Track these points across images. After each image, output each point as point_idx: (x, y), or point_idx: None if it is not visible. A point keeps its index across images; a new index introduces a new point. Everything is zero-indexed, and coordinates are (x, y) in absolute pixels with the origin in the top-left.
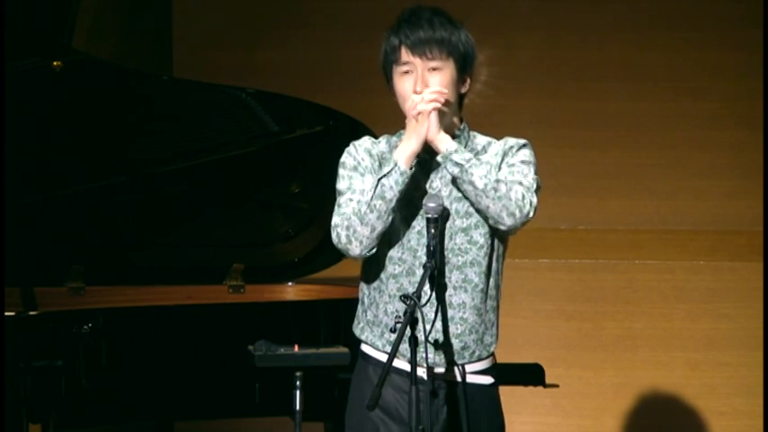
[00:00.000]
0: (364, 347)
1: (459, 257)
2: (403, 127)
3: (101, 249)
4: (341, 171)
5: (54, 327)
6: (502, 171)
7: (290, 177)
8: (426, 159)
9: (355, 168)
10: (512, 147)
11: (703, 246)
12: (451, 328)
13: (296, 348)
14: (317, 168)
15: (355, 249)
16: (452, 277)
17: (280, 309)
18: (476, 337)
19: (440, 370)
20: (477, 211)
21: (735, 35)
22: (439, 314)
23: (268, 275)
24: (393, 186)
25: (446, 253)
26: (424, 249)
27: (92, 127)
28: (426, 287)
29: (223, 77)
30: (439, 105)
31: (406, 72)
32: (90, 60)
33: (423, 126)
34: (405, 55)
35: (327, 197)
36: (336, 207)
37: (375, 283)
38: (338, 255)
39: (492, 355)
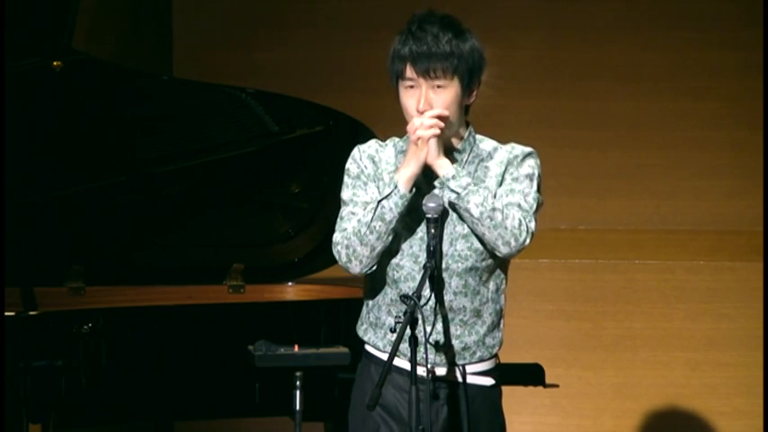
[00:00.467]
0: (368, 347)
1: (460, 263)
2: (404, 127)
3: (101, 249)
4: (345, 179)
5: (54, 327)
6: (504, 185)
7: (290, 177)
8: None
9: (358, 177)
10: (517, 156)
11: (703, 246)
12: (452, 329)
13: (296, 348)
14: (317, 168)
15: (355, 268)
16: (452, 283)
17: (280, 309)
18: (476, 339)
19: (440, 370)
20: (475, 235)
21: (735, 35)
22: (439, 315)
23: (268, 275)
24: (393, 209)
25: (446, 259)
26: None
27: (92, 127)
28: (427, 287)
29: (223, 77)
30: (438, 132)
31: (411, 86)
32: (90, 60)
33: (422, 151)
34: (409, 71)
35: (327, 197)
36: (339, 219)
37: (378, 286)
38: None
39: (495, 356)
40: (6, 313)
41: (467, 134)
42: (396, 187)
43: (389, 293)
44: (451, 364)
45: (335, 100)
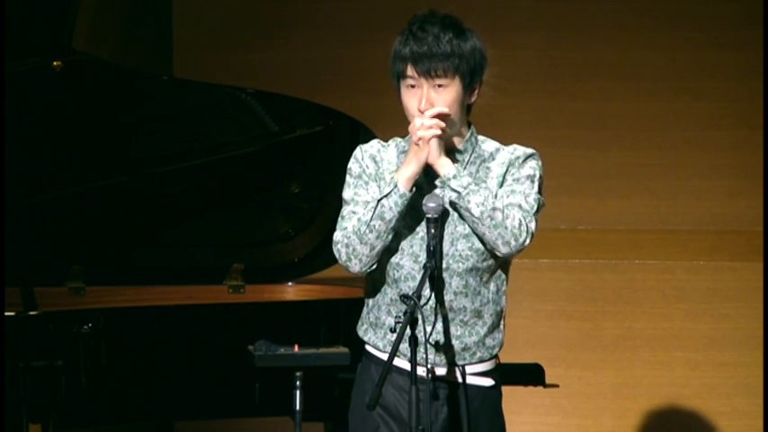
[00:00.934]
0: (368, 347)
1: (460, 264)
2: (405, 127)
3: (101, 249)
4: (347, 178)
5: (54, 327)
6: (505, 186)
7: (290, 177)
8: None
9: (360, 176)
10: (518, 157)
11: (703, 246)
12: (452, 330)
13: (296, 348)
14: (317, 168)
15: (355, 267)
16: (453, 283)
17: (280, 309)
18: (477, 339)
19: (440, 370)
20: (475, 234)
21: (735, 35)
22: (439, 315)
23: (268, 275)
24: (392, 207)
25: (447, 259)
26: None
27: (92, 127)
28: (427, 287)
29: (223, 77)
30: (439, 132)
31: (412, 86)
32: (90, 60)
33: (423, 151)
34: (410, 71)
35: (327, 197)
36: (340, 218)
37: (378, 286)
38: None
39: (495, 357)
40: (6, 313)
41: (468, 134)
42: (396, 186)
43: (389, 293)
44: (451, 365)
45: (335, 100)
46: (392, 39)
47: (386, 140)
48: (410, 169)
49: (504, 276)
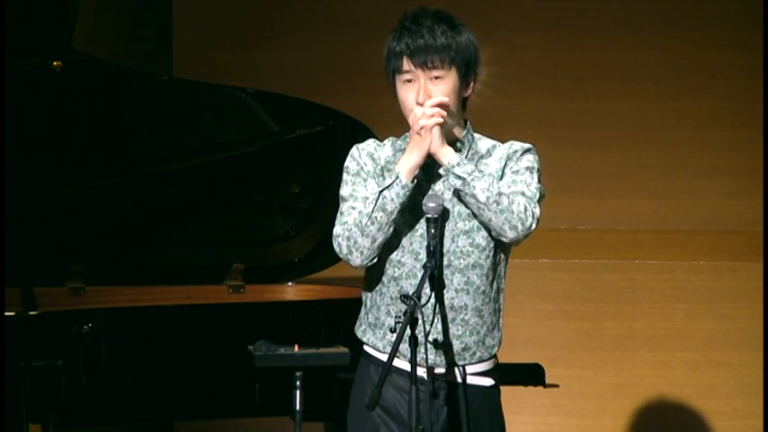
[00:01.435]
0: (366, 348)
1: (462, 260)
2: (404, 127)
3: (101, 249)
4: (344, 176)
5: (54, 327)
6: (505, 178)
7: (290, 177)
8: (429, 163)
9: (358, 174)
10: (516, 151)
11: (703, 246)
12: (452, 329)
13: (296, 348)
14: (317, 168)
15: (356, 260)
16: (454, 280)
17: (280, 309)
18: (477, 339)
19: (440, 370)
20: (481, 222)
21: (735, 35)
22: (439, 315)
23: (268, 275)
24: (394, 199)
25: (448, 255)
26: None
27: (92, 127)
28: (427, 287)
29: (223, 77)
30: (441, 120)
31: (409, 80)
32: (90, 60)
33: (425, 140)
34: (406, 64)
35: (327, 197)
36: (339, 215)
37: (377, 286)
38: (338, 255)
39: (494, 357)
40: (6, 313)
41: (465, 131)
42: (397, 177)
43: (389, 293)
44: (451, 365)
45: (335, 100)
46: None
47: (382, 140)
48: (412, 159)
49: (503, 275)
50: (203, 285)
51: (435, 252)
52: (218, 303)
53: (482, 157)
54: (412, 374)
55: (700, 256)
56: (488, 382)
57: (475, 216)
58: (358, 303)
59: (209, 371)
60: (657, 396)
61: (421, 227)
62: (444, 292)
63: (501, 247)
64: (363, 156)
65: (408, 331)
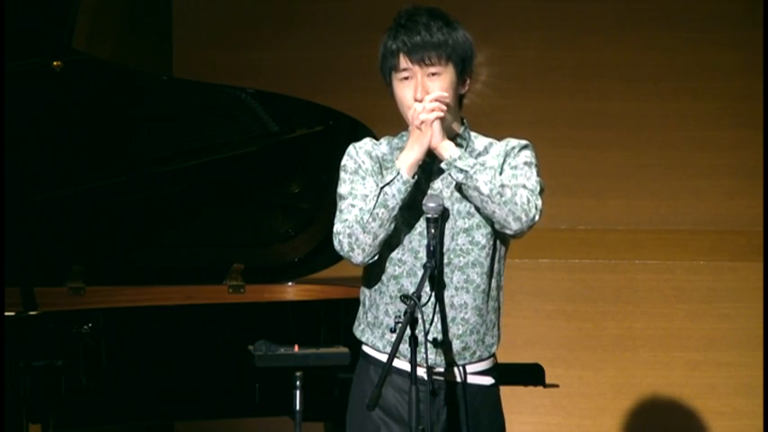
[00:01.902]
0: (365, 348)
1: (461, 258)
2: (403, 127)
3: (101, 249)
4: (342, 174)
5: (54, 327)
6: (504, 174)
7: (290, 177)
8: (427, 161)
9: (356, 172)
10: (513, 147)
11: (703, 246)
12: (452, 329)
13: (296, 348)
14: (317, 168)
15: (357, 257)
16: (454, 278)
17: (280, 309)
18: (477, 338)
19: (440, 370)
20: (484, 216)
21: (735, 35)
22: (439, 314)
23: (268, 275)
24: (396, 195)
25: (448, 254)
26: (425, 250)
27: (92, 127)
28: (426, 287)
29: (223, 77)
30: (441, 114)
31: (406, 78)
32: (90, 60)
33: (426, 135)
34: (403, 62)
35: (327, 197)
36: (338, 213)
37: (376, 285)
38: (338, 255)
39: (493, 355)
40: (6, 313)
41: (462, 129)
42: (398, 173)
43: (388, 291)
44: (451, 365)
45: (335, 100)
46: None
47: (380, 139)
48: (413, 155)
49: (501, 274)
50: (203, 285)
51: (435, 252)
52: (218, 303)
53: (479, 154)
54: (412, 374)
55: (700, 256)
56: (488, 381)
57: (477, 211)
58: (358, 303)
59: (209, 371)
60: (657, 396)
61: (420, 225)
62: (444, 291)
63: (500, 245)
64: (361, 154)
65: (408, 331)
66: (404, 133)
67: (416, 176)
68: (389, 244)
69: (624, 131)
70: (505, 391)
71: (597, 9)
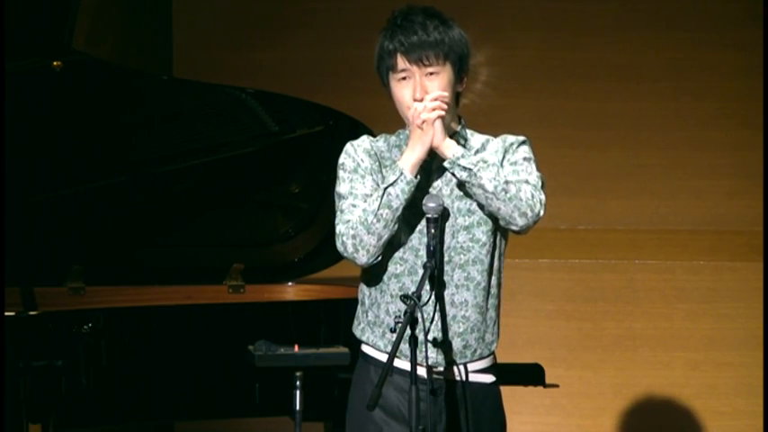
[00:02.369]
0: (365, 348)
1: (462, 255)
2: (402, 127)
3: (101, 249)
4: (341, 173)
5: (54, 327)
6: (505, 170)
7: (290, 177)
8: (426, 160)
9: (355, 170)
10: (512, 144)
11: (703, 246)
12: (453, 327)
13: (296, 348)
14: (317, 169)
15: (362, 258)
16: (455, 275)
17: (280, 309)
18: (477, 336)
19: (441, 369)
20: (487, 213)
21: (735, 35)
22: (439, 313)
23: (268, 275)
24: (399, 195)
25: (449, 251)
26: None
27: (92, 127)
28: (427, 287)
29: (223, 77)
30: (443, 113)
31: (404, 78)
32: (90, 60)
33: (428, 134)
34: (401, 62)
35: (327, 197)
36: (339, 213)
37: (376, 284)
38: (338, 255)
39: (493, 353)
40: (6, 313)
41: (460, 128)
42: (401, 174)
43: (389, 290)
44: (452, 363)
45: (335, 100)
46: None
47: (376, 137)
48: (415, 154)
49: (501, 272)
50: (203, 285)
51: (435, 252)
52: (218, 303)
53: (477, 151)
54: (412, 374)
55: (700, 256)
56: (489, 378)
57: (480, 208)
58: (358, 303)
59: (209, 371)
60: (657, 396)
61: (421, 224)
62: (445, 290)
63: (500, 241)
64: (359, 152)
65: (408, 331)
66: (401, 131)
67: (419, 177)
68: (390, 243)
69: (624, 131)
70: (505, 391)
71: (597, 9)
